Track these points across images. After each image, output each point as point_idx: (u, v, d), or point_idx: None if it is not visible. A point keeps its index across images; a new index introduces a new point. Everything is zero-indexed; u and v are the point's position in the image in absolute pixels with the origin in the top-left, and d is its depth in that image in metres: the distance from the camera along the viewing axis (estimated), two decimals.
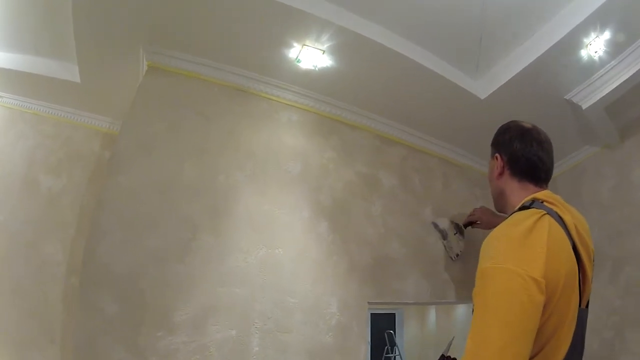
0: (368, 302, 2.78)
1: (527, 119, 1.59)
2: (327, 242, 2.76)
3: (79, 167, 3.60)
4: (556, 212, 1.25)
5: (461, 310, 6.80)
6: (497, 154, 1.53)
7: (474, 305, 1.14)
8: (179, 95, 2.61)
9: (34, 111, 3.68)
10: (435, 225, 3.13)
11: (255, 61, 2.68)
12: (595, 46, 2.35)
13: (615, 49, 2.43)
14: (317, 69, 2.63)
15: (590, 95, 2.71)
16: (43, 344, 3.05)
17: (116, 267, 2.15)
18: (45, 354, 3.03)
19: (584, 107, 2.74)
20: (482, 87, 2.79)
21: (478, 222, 2.82)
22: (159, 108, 2.54)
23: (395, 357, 7.22)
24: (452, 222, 3.14)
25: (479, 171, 3.62)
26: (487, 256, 1.17)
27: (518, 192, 1.45)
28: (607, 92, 2.61)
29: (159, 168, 2.42)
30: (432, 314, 7.64)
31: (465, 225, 3.02)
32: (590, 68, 2.54)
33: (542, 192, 1.38)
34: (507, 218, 1.29)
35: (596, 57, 2.42)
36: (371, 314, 6.79)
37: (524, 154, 1.46)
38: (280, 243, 2.61)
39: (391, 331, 7.40)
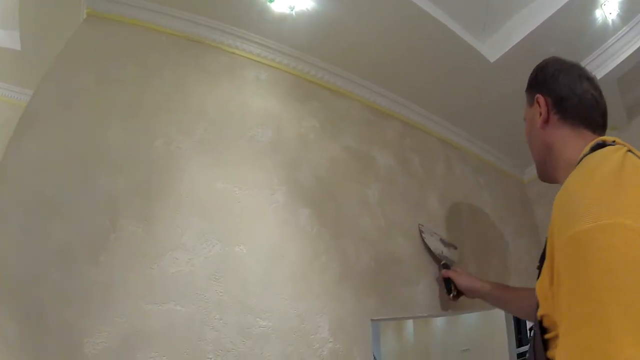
0: (371, 320, 2.03)
1: None
2: (311, 236, 2.01)
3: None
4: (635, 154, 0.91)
5: (440, 320, 6.41)
6: (537, 96, 1.24)
7: (570, 293, 0.78)
8: (117, 45, 2.03)
9: None
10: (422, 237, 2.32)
11: (214, 5, 2.15)
12: (609, 6, 2.14)
13: (628, 14, 2.21)
14: (294, 12, 2.07)
15: (604, 64, 2.39)
16: None
17: (14, 268, 1.52)
18: None
19: (599, 76, 2.31)
20: (491, 49, 2.38)
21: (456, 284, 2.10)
22: (89, 59, 1.95)
23: None
24: (443, 240, 2.39)
25: (481, 157, 3.04)
26: (573, 214, 0.82)
27: (573, 141, 1.13)
28: (621, 60, 2.35)
29: (76, 129, 1.79)
30: (409, 323, 7.13)
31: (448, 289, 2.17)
32: (604, 33, 2.27)
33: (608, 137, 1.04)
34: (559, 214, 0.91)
35: (610, 20, 2.19)
36: None
37: (574, 91, 1.19)
38: (242, 237, 1.84)
39: None
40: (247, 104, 2.12)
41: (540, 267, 0.97)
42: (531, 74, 1.34)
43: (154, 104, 1.92)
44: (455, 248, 2.36)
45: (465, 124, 2.91)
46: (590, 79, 1.24)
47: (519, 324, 4.55)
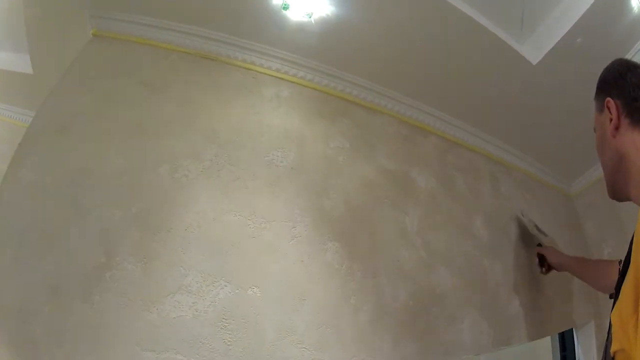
0: None
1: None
2: (340, 274, 1.77)
3: None
4: None
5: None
6: (607, 99, 1.09)
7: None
8: (121, 65, 1.93)
9: None
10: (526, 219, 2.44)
11: (227, 18, 2.00)
12: None
13: None
14: (313, 19, 1.85)
15: None
16: None
17: (5, 299, 1.43)
18: None
19: None
20: (531, 50, 2.17)
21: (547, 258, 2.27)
22: (91, 80, 1.85)
23: None
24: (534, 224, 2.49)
25: (526, 172, 2.80)
26: None
27: None
28: None
29: (75, 156, 1.66)
30: None
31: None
32: None
33: None
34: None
35: None
36: None
37: None
38: (256, 278, 1.61)
39: None
40: (264, 124, 1.92)
41: (617, 291, 0.90)
42: (599, 79, 1.22)
43: (159, 126, 1.76)
44: (546, 235, 2.43)
45: (509, 137, 2.70)
46: None
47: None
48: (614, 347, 0.85)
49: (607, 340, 0.90)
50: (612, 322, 0.87)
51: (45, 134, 1.70)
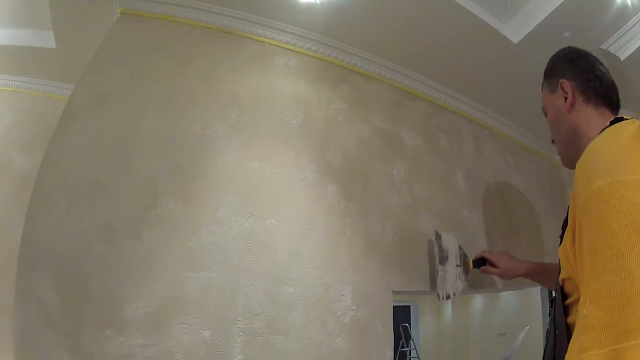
0: (393, 292, 2.04)
1: None
2: (339, 212, 2.04)
3: None
4: None
5: (478, 301, 6.05)
6: (562, 81, 1.22)
7: (590, 246, 0.78)
8: (151, 41, 2.06)
9: (14, 88, 3.27)
10: (437, 238, 2.12)
11: None
12: None
13: None
14: (319, 1, 2.04)
15: (627, 44, 2.28)
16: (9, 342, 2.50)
17: (58, 245, 1.61)
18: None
19: (622, 57, 2.29)
20: (513, 30, 2.30)
21: (495, 264, 2.00)
22: (125, 55, 2.00)
23: (410, 350, 6.48)
24: (460, 247, 2.19)
25: (509, 136, 2.99)
26: (595, 172, 0.82)
27: (596, 121, 1.14)
28: None
29: (115, 120, 1.85)
30: (448, 306, 7.12)
31: (476, 264, 2.09)
32: (625, 13, 2.14)
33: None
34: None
35: (629, 1, 2.07)
36: None
37: (594, 73, 1.20)
38: (273, 212, 1.89)
39: (406, 324, 6.64)
40: (277, 89, 2.12)
41: (562, 235, 0.97)
42: (548, 63, 1.33)
43: (189, 93, 1.96)
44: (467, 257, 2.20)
45: (493, 104, 2.84)
46: (603, 65, 1.24)
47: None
48: (561, 276, 0.95)
49: (558, 273, 0.98)
50: (559, 257, 0.96)
51: (87, 104, 1.86)
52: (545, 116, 1.33)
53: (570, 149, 1.20)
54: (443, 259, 2.09)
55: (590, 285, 0.75)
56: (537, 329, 4.38)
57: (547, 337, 1.11)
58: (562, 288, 0.97)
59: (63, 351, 1.50)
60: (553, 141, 1.32)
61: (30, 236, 1.64)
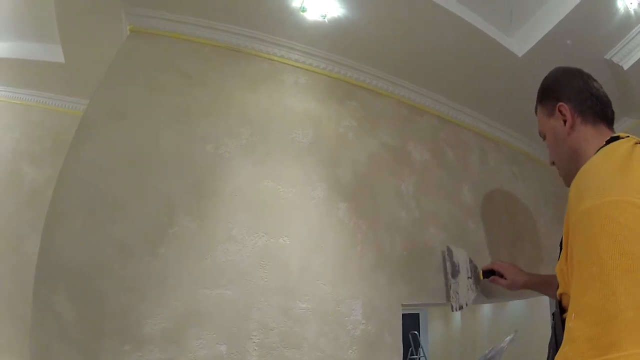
0: (402, 305, 2.09)
1: None
2: (349, 228, 2.09)
3: (64, 156, 3.11)
4: None
5: (487, 309, 6.06)
6: (559, 105, 1.23)
7: (578, 263, 0.81)
8: (163, 58, 2.06)
9: (22, 101, 3.31)
10: (448, 253, 2.23)
11: (251, 16, 2.15)
12: None
13: None
14: (326, 20, 2.06)
15: (630, 54, 2.29)
16: (21, 351, 2.56)
17: (75, 261, 1.63)
18: None
19: (626, 67, 2.30)
20: (518, 43, 2.31)
21: (503, 275, 2.08)
22: (138, 71, 2.00)
23: (420, 358, 6.49)
24: (471, 260, 2.29)
25: (515, 147, 3.02)
26: (586, 193, 0.86)
27: (594, 139, 1.14)
28: None
29: (131, 137, 1.86)
30: (457, 313, 6.74)
31: (485, 275, 2.18)
32: (628, 23, 2.16)
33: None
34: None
35: (632, 10, 2.08)
36: None
37: (590, 91, 1.22)
38: (286, 230, 1.94)
39: (416, 332, 6.67)
40: (288, 107, 2.17)
41: (559, 254, 0.99)
42: (542, 87, 1.35)
43: (202, 110, 1.99)
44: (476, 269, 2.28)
45: (499, 116, 2.87)
46: (594, 79, 1.26)
47: None
48: (559, 291, 0.97)
49: (556, 289, 1.00)
50: (557, 274, 0.98)
51: (102, 119, 1.87)
52: (544, 139, 1.34)
53: (572, 169, 1.15)
54: (455, 273, 2.18)
55: (577, 300, 0.79)
56: (545, 336, 4.38)
57: (549, 349, 1.16)
58: (559, 302, 1.00)
59: None
60: (553, 163, 1.33)
61: (47, 252, 1.65)
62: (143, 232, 1.73)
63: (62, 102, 3.29)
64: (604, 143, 1.03)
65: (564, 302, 0.98)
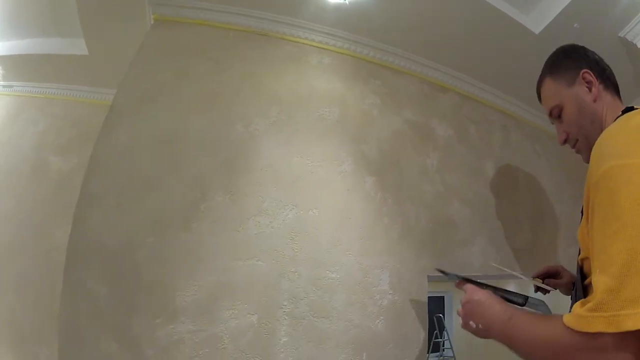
0: (428, 276, 2.12)
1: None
2: (376, 201, 2.14)
3: (90, 145, 3.27)
4: None
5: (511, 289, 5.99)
6: (584, 71, 1.22)
7: (601, 220, 0.82)
8: (189, 44, 2.15)
9: (45, 95, 3.46)
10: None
11: (274, 0, 2.21)
12: None
13: None
14: (347, 1, 2.11)
15: None
16: (49, 337, 2.67)
17: (108, 239, 1.72)
18: (51, 347, 2.66)
19: (639, 44, 2.28)
20: (534, 21, 2.32)
21: (555, 275, 1.66)
22: (165, 58, 2.10)
23: (444, 341, 6.52)
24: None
25: (537, 125, 3.01)
26: (608, 154, 0.87)
27: (614, 108, 1.16)
28: None
29: (162, 120, 1.96)
30: None
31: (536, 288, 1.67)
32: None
33: None
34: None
35: None
36: None
37: (605, 63, 1.24)
38: (315, 203, 2.01)
39: (440, 315, 6.69)
40: (313, 87, 2.22)
41: (581, 217, 0.98)
42: (554, 61, 1.32)
43: (230, 93, 2.06)
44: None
45: (520, 94, 2.86)
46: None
47: None
48: (580, 256, 0.98)
49: (578, 254, 1.00)
50: (578, 240, 0.99)
51: (131, 105, 1.95)
52: (557, 116, 1.30)
53: (594, 137, 1.06)
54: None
55: (600, 255, 0.80)
56: None
57: None
58: (581, 268, 1.00)
59: (111, 340, 1.61)
60: (565, 141, 1.29)
61: (79, 233, 1.73)
62: (176, 208, 1.82)
63: (85, 93, 3.39)
64: (620, 113, 1.04)
65: (585, 268, 0.99)
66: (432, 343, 6.55)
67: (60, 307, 1.64)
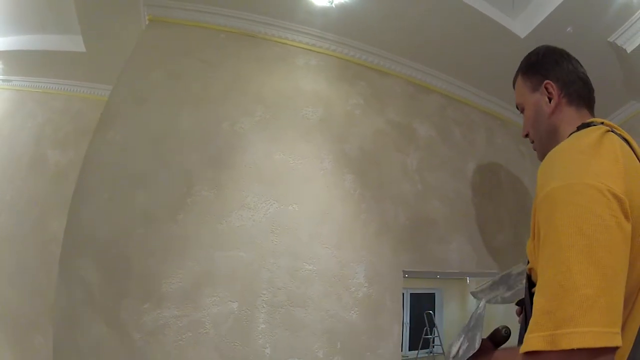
0: (403, 271, 2.22)
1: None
2: (354, 198, 2.24)
3: (86, 139, 3.40)
4: (621, 135, 0.96)
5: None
6: (547, 82, 1.19)
7: (541, 242, 0.84)
8: (181, 45, 2.24)
9: (44, 89, 3.53)
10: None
11: (264, 3, 2.29)
12: None
13: None
14: (333, 4, 2.18)
15: (634, 37, 2.30)
16: (44, 325, 2.78)
17: (100, 230, 1.83)
18: (46, 335, 2.75)
19: (629, 50, 2.33)
20: (521, 25, 2.37)
21: None
22: (158, 58, 2.19)
23: (434, 338, 6.58)
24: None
25: (521, 126, 2.87)
26: (551, 176, 0.89)
27: (575, 122, 1.12)
28: None
29: (153, 118, 2.06)
30: (472, 298, 6.80)
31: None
32: (630, 5, 2.17)
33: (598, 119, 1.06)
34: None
35: None
36: (410, 294, 6.17)
37: (577, 75, 1.18)
38: (295, 198, 2.11)
39: (431, 312, 6.75)
40: (299, 87, 2.30)
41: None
42: (528, 61, 1.31)
43: (218, 93, 2.15)
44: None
45: (505, 96, 2.91)
46: (581, 64, 1.23)
47: None
48: (528, 267, 1.00)
49: (526, 264, 1.02)
50: (527, 251, 1.01)
51: (126, 103, 2.05)
52: (521, 111, 1.34)
53: (548, 148, 1.11)
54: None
55: (540, 277, 0.82)
56: None
57: (520, 323, 1.18)
58: (529, 277, 1.02)
59: (102, 324, 1.71)
60: (526, 135, 1.33)
61: (74, 224, 1.84)
62: (164, 202, 1.92)
63: (82, 89, 3.45)
64: (576, 129, 1.04)
65: (533, 277, 1.01)
66: (422, 339, 6.63)
67: (56, 294, 1.74)
